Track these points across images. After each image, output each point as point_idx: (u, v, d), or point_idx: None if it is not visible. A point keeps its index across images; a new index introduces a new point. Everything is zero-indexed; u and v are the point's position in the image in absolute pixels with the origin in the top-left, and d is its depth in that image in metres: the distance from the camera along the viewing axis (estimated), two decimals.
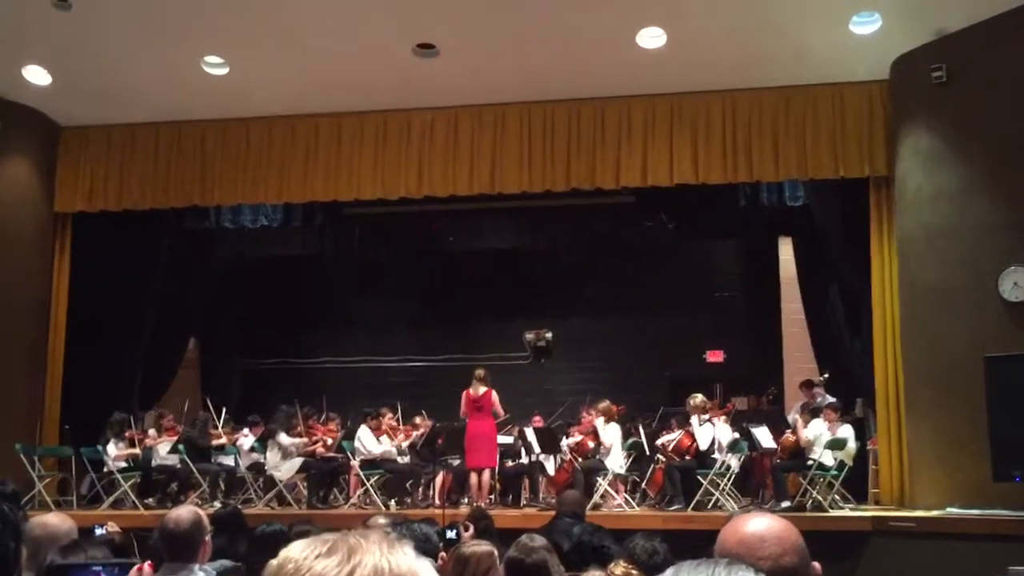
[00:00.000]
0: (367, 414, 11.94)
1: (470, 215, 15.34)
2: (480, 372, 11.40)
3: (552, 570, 2.99)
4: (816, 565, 1.79)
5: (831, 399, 11.77)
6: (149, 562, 1.68)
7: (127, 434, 11.99)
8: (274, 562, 1.18)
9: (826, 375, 12.75)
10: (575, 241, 16.26)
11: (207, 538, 4.22)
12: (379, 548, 1.16)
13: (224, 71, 11.53)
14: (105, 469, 11.81)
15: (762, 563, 1.65)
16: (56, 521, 3.92)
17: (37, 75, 11.70)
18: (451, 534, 5.44)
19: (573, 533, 5.73)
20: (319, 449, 12.09)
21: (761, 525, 1.78)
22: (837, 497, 10.82)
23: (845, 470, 10.74)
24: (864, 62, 11.07)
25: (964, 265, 10.12)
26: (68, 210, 12.97)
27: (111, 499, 11.51)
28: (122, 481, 11.57)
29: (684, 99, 11.77)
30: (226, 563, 5.08)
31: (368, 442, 11.61)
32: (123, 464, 11.77)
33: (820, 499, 10.48)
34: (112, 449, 11.70)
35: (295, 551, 1.17)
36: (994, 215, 10.04)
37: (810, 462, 10.71)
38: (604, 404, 11.43)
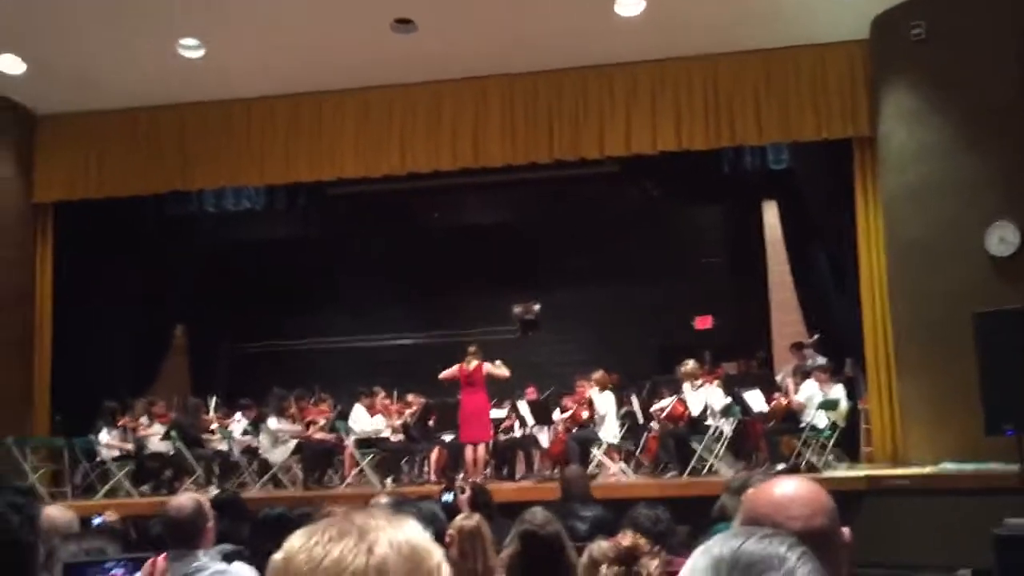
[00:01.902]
0: (361, 393, 11.92)
1: (454, 191, 15.29)
2: (472, 348, 11.40)
3: (565, 540, 2.99)
4: (846, 530, 1.78)
5: (821, 360, 11.82)
6: (163, 555, 1.65)
7: (119, 422, 11.94)
8: (279, 556, 1.15)
9: (816, 336, 12.78)
10: (560, 213, 16.22)
11: (210, 524, 4.21)
12: (388, 523, 1.16)
13: (200, 53, 11.39)
14: (98, 459, 11.75)
15: (792, 523, 1.64)
16: (56, 513, 3.91)
17: (10, 64, 11.53)
18: (447, 497, 5.45)
19: (587, 518, 5.72)
20: (313, 433, 12.05)
21: (791, 487, 1.78)
22: (831, 458, 10.89)
23: (837, 431, 10.81)
24: (844, 22, 11.05)
25: (949, 221, 10.15)
26: (48, 199, 12.85)
27: (106, 488, 11.47)
28: (115, 470, 11.53)
29: (665, 66, 11.74)
30: (228, 547, 5.08)
31: (363, 420, 11.58)
32: (116, 453, 11.72)
33: (814, 460, 10.54)
34: (104, 437, 11.65)
35: (299, 541, 1.15)
36: (978, 170, 10.06)
37: (803, 424, 10.76)
38: (599, 373, 11.43)
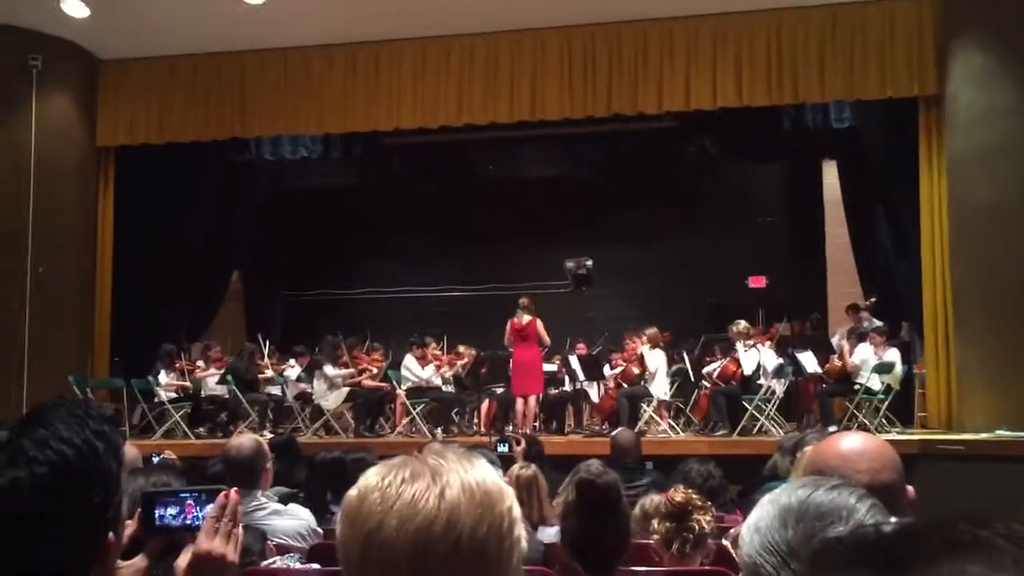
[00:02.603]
0: (412, 343, 12.02)
1: (510, 143, 15.24)
2: (524, 301, 11.41)
3: (621, 490, 3.02)
4: (911, 489, 1.77)
5: (878, 323, 11.68)
6: (236, 488, 1.69)
7: (176, 365, 12.16)
8: (353, 492, 1.17)
9: (873, 299, 12.62)
10: (616, 167, 16.10)
11: (268, 464, 4.29)
12: (461, 465, 1.16)
13: (261, 0, 11.40)
14: (156, 400, 11.98)
15: (860, 476, 1.64)
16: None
17: (75, 8, 11.61)
18: (503, 448, 5.49)
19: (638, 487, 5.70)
20: (365, 381, 12.20)
21: (859, 441, 1.78)
22: (884, 421, 10.79)
23: (892, 394, 10.70)
24: None
25: (1016, 185, 9.93)
26: (110, 144, 13.01)
27: (163, 429, 11.72)
28: (173, 411, 11.76)
29: (728, 19, 11.53)
30: (284, 489, 5.17)
31: (415, 369, 11.70)
32: (173, 395, 11.95)
33: (867, 423, 10.46)
34: (163, 379, 11.87)
35: (374, 479, 1.16)
36: None
37: (856, 386, 10.67)
38: (652, 330, 11.40)
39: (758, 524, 1.40)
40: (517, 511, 1.19)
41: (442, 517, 1.11)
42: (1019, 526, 0.54)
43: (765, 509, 1.42)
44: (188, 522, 1.68)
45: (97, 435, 1.31)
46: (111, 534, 1.34)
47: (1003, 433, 9.56)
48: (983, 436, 9.67)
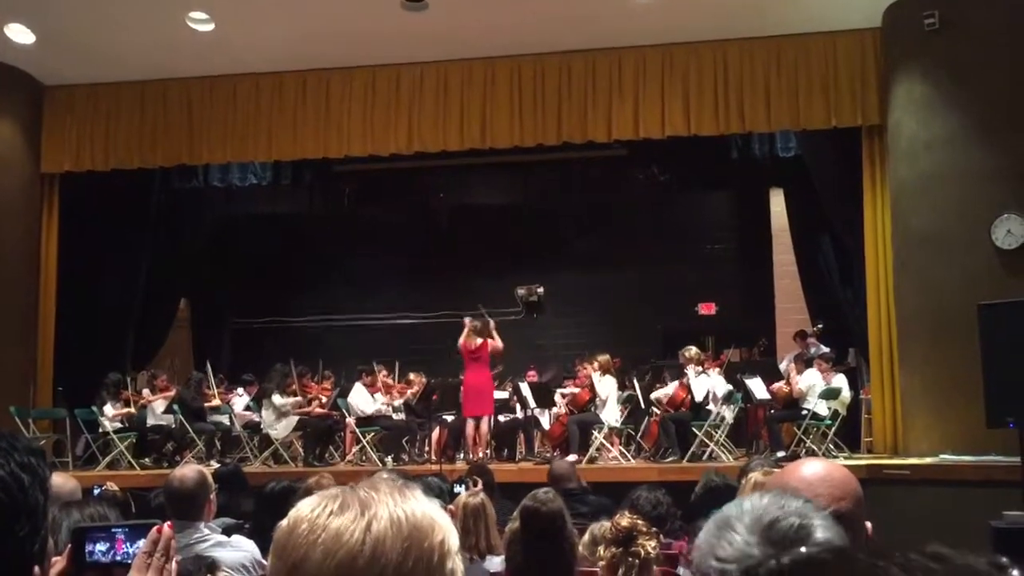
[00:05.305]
0: (362, 371, 11.94)
1: (461, 171, 15.26)
2: (476, 323, 11.42)
3: (567, 518, 3.01)
4: (869, 525, 1.78)
5: (824, 349, 11.82)
6: (169, 522, 1.65)
7: (122, 395, 11.96)
8: (284, 523, 1.16)
9: (820, 325, 12.78)
10: (566, 195, 16.20)
11: (212, 496, 4.22)
12: (391, 498, 1.15)
13: (209, 27, 11.35)
14: (100, 430, 11.77)
15: (819, 500, 1.65)
16: (60, 481, 3.89)
17: (20, 33, 11.49)
18: (460, 489, 5.46)
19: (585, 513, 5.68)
20: (315, 409, 12.09)
21: (821, 467, 1.80)
22: (831, 446, 10.90)
23: (839, 419, 10.82)
24: (856, 10, 11.00)
25: (957, 213, 10.12)
26: (55, 170, 12.82)
27: (107, 460, 11.50)
28: (117, 442, 11.56)
29: (675, 50, 11.69)
30: (228, 520, 5.09)
31: (362, 401, 11.61)
32: (118, 425, 11.74)
33: (815, 448, 10.56)
34: (109, 409, 11.67)
35: (305, 510, 1.15)
36: (987, 162, 10.02)
37: (804, 412, 10.77)
38: (602, 357, 11.43)
39: (699, 542, 1.42)
40: (452, 544, 1.17)
41: (366, 551, 1.09)
42: (915, 555, 0.55)
43: (715, 517, 1.43)
44: (118, 558, 1.64)
45: (23, 467, 1.28)
46: (36, 569, 1.31)
47: (947, 457, 9.68)
48: (928, 460, 9.80)
